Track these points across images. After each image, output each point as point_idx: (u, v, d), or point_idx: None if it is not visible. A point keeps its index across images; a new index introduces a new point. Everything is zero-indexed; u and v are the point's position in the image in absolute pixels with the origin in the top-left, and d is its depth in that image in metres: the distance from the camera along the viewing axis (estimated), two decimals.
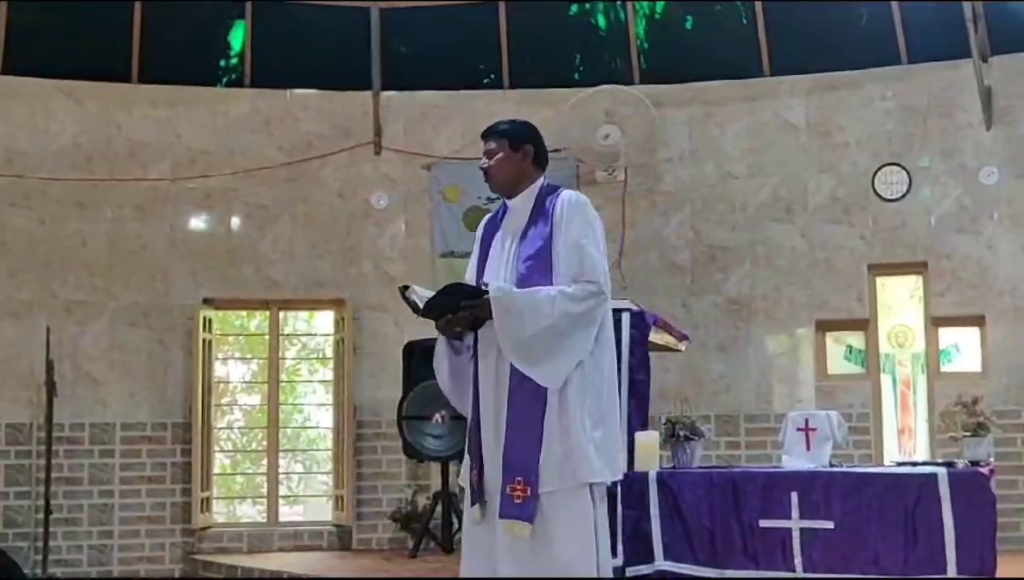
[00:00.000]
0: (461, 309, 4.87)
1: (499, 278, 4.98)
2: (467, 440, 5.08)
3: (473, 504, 4.96)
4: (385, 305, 11.04)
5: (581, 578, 4.79)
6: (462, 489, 5.18)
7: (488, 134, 5.20)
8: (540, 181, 5.16)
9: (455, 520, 10.06)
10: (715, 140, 11.42)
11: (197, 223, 11.41)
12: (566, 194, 5.09)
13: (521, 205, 5.12)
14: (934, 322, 10.84)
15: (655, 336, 7.51)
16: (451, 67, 11.86)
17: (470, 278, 5.18)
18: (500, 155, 5.11)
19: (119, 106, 11.31)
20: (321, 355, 12.50)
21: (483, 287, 4.92)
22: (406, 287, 4.99)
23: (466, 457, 5.07)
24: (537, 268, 4.95)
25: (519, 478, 4.80)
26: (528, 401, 4.84)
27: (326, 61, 11.80)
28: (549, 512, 4.78)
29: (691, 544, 6.96)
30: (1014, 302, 10.55)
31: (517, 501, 4.80)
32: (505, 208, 5.21)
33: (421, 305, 4.91)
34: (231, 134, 11.43)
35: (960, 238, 10.76)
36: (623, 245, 11.22)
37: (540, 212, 5.06)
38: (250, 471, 12.35)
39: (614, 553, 7.09)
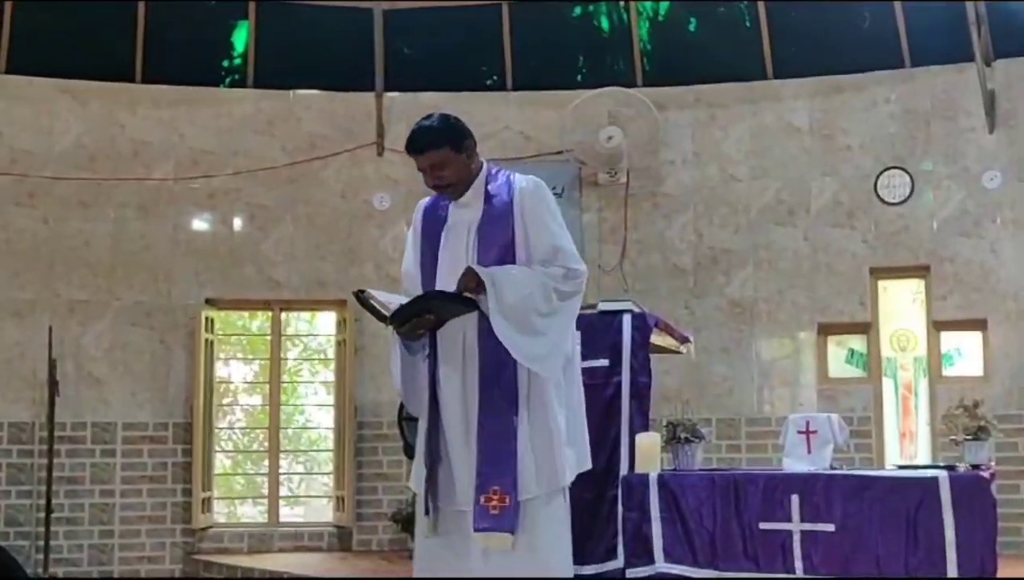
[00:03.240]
0: (427, 312, 4.73)
1: (459, 274, 4.78)
2: (425, 447, 4.84)
3: (426, 515, 4.79)
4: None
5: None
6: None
7: (424, 147, 4.83)
8: (483, 168, 4.98)
9: None
10: (718, 143, 11.42)
11: (200, 223, 11.42)
12: (520, 182, 4.91)
13: (472, 197, 4.92)
14: (936, 326, 10.84)
15: (657, 338, 7.50)
16: (454, 68, 11.86)
17: (410, 269, 5.02)
18: (450, 164, 4.84)
19: (122, 106, 11.32)
20: (323, 356, 12.51)
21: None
22: (362, 291, 4.81)
23: (420, 465, 4.87)
24: (502, 261, 4.78)
25: (495, 487, 4.64)
26: (502, 405, 4.70)
27: (329, 62, 11.81)
28: (531, 519, 4.68)
29: (691, 546, 6.95)
30: (1017, 306, 10.55)
31: (494, 512, 4.63)
32: (447, 198, 4.99)
33: (385, 311, 4.75)
34: (234, 134, 11.44)
35: (963, 242, 10.76)
36: (625, 247, 11.24)
37: (491, 200, 4.88)
38: (251, 471, 12.35)
39: (615, 554, 7.15)
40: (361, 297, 4.80)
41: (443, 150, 4.83)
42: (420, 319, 4.72)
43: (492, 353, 4.70)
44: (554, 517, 4.76)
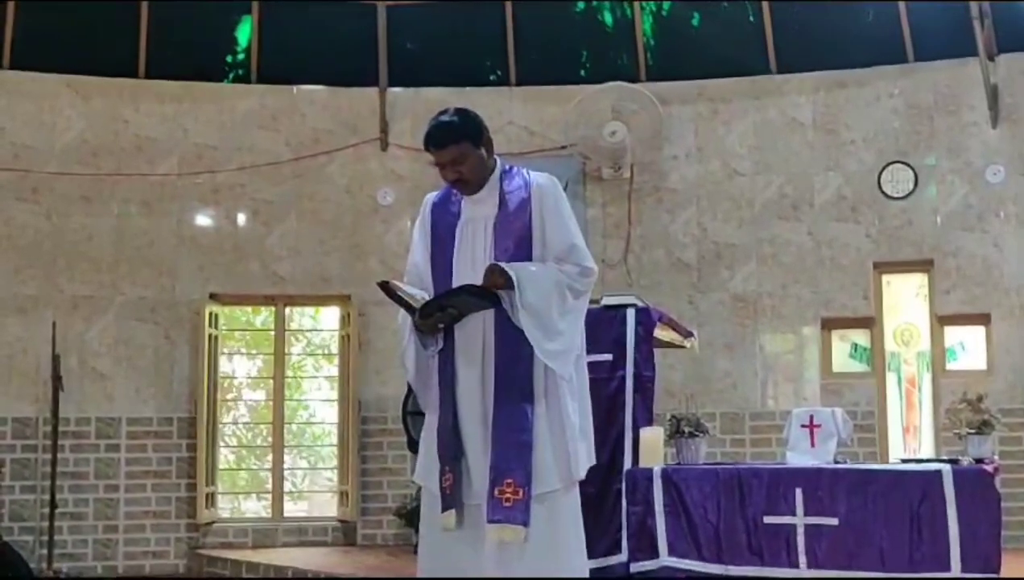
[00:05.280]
0: (450, 306, 4.73)
1: (476, 269, 4.79)
2: (438, 444, 4.82)
3: (444, 510, 4.73)
4: (391, 301, 10.99)
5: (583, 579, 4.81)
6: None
7: (445, 142, 4.82)
8: (497, 164, 4.99)
9: None
10: (721, 137, 11.42)
11: (203, 219, 11.42)
12: (537, 179, 4.92)
13: (488, 193, 4.92)
14: (940, 320, 10.85)
15: (661, 333, 7.51)
16: (457, 64, 11.86)
17: (419, 263, 5.01)
18: (471, 159, 4.85)
19: (126, 102, 11.32)
20: (326, 351, 12.51)
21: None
22: (387, 283, 4.80)
23: (433, 459, 4.83)
24: (518, 257, 4.79)
25: (509, 480, 4.64)
26: (518, 398, 4.71)
27: (333, 57, 11.79)
28: (548, 512, 4.69)
29: (696, 540, 6.97)
30: (1020, 300, 10.55)
31: (507, 504, 4.63)
32: (459, 194, 4.99)
33: (413, 302, 4.76)
34: (238, 130, 11.45)
35: (966, 236, 10.76)
36: (629, 242, 11.25)
37: (508, 196, 4.89)
38: (255, 466, 12.37)
39: (619, 549, 7.16)
40: (387, 287, 4.79)
41: (463, 145, 4.83)
42: (443, 313, 4.73)
43: (508, 347, 4.72)
44: (570, 510, 4.78)
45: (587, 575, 4.87)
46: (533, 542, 4.64)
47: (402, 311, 4.87)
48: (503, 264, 4.71)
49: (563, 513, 4.76)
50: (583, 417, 4.89)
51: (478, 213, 4.93)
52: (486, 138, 4.92)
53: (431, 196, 5.13)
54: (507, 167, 5.00)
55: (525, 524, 4.62)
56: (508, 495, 4.64)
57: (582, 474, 4.82)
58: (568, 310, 4.78)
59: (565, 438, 4.75)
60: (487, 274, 4.73)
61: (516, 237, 4.83)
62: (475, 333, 4.80)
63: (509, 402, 4.71)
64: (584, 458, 4.83)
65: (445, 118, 4.88)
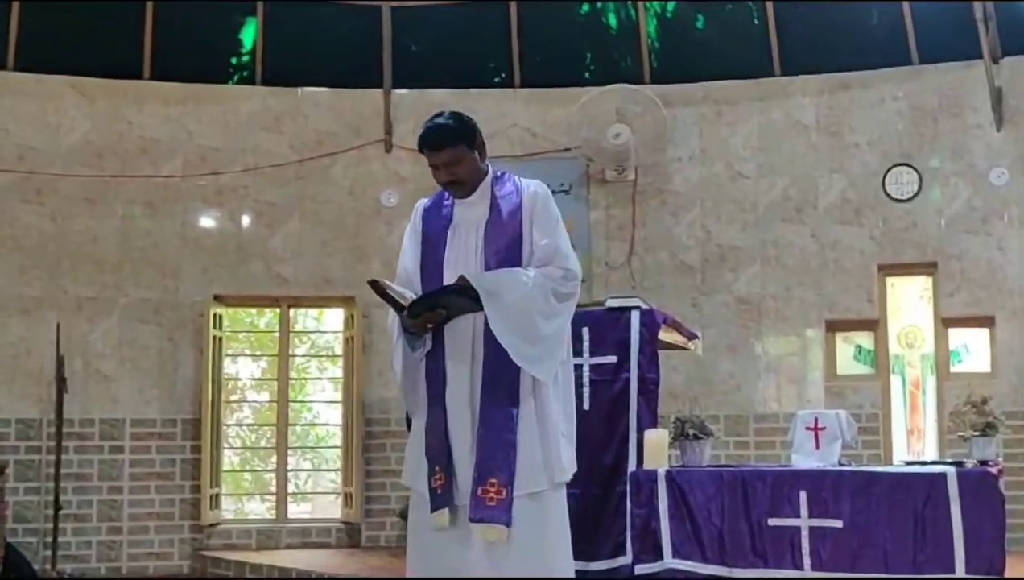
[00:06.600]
0: (439, 305, 4.76)
1: (466, 271, 4.81)
2: (425, 443, 4.85)
3: (436, 509, 4.76)
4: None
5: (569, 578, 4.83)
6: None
7: (441, 144, 4.85)
8: (490, 170, 5.02)
9: None
10: (725, 139, 11.42)
11: (207, 220, 11.42)
12: (530, 185, 4.96)
13: (479, 197, 4.96)
14: (944, 323, 10.85)
15: (665, 335, 7.51)
16: (461, 66, 11.88)
17: (409, 267, 5.03)
18: (465, 161, 4.88)
19: (130, 103, 11.32)
20: (330, 353, 12.52)
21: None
22: (377, 281, 4.82)
23: (421, 460, 4.86)
24: (508, 260, 4.83)
25: (492, 479, 4.67)
26: (504, 399, 4.73)
27: (337, 59, 11.80)
28: (535, 513, 4.71)
29: (700, 542, 6.96)
30: None
31: (491, 503, 4.66)
32: (450, 198, 5.03)
33: (402, 301, 4.78)
34: (242, 131, 11.45)
35: (970, 239, 10.76)
36: (633, 244, 11.25)
37: (499, 201, 4.92)
38: (259, 468, 12.36)
39: (623, 551, 7.16)
40: (377, 286, 4.80)
41: (459, 147, 4.86)
42: (432, 313, 4.75)
43: (498, 348, 4.72)
44: (556, 512, 4.80)
45: (573, 575, 4.89)
46: (520, 542, 4.67)
47: (392, 312, 4.89)
48: (471, 277, 4.74)
49: (549, 514, 4.77)
50: (567, 421, 4.91)
51: (469, 216, 4.96)
52: (480, 141, 4.94)
53: (423, 201, 5.16)
54: (499, 173, 5.04)
55: (507, 524, 4.64)
56: (491, 495, 4.67)
57: (567, 476, 4.84)
58: (553, 313, 4.79)
59: (554, 440, 4.77)
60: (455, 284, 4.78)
61: (506, 241, 4.87)
62: (465, 334, 4.82)
63: (496, 402, 4.73)
64: (568, 461, 4.85)
65: (440, 121, 4.90)
